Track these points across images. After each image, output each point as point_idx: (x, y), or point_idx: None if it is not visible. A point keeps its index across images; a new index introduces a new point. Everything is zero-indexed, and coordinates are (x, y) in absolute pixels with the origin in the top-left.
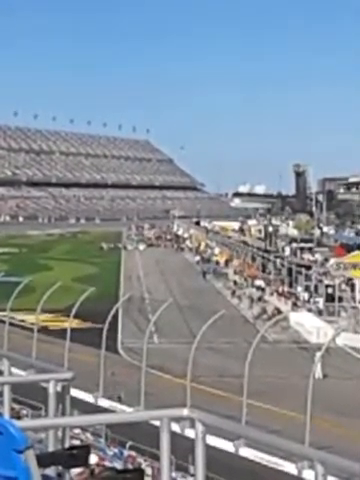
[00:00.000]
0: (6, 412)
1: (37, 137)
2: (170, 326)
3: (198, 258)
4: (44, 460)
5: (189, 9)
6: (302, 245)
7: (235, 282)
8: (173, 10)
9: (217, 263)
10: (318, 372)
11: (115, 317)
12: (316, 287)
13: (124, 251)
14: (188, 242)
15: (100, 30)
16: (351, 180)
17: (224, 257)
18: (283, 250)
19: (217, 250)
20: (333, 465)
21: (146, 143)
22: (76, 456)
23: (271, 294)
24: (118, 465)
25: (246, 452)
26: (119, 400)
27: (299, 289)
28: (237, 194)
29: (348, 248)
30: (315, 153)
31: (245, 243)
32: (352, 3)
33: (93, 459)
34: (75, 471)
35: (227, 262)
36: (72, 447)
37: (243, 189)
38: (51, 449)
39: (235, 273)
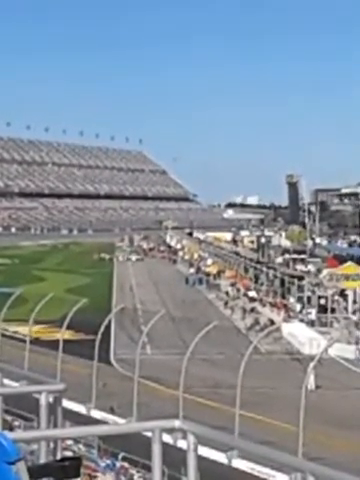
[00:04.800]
0: None
1: (30, 148)
2: (163, 337)
3: (193, 270)
4: (36, 472)
5: (183, 21)
6: (295, 256)
7: (227, 293)
8: (167, 22)
9: (208, 274)
10: (311, 383)
11: (108, 328)
12: (309, 298)
13: (117, 262)
14: (181, 253)
15: (93, 41)
16: (344, 191)
17: (216, 268)
18: (274, 261)
19: (210, 261)
20: (325, 476)
21: (139, 154)
22: (68, 468)
23: (264, 305)
24: (110, 477)
25: (239, 463)
26: (112, 411)
27: (292, 300)
28: (230, 205)
29: (341, 259)
30: (308, 164)
31: (238, 254)
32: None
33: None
34: None
35: (219, 273)
36: (64, 458)
37: (236, 200)
38: (43, 461)
39: (231, 285)
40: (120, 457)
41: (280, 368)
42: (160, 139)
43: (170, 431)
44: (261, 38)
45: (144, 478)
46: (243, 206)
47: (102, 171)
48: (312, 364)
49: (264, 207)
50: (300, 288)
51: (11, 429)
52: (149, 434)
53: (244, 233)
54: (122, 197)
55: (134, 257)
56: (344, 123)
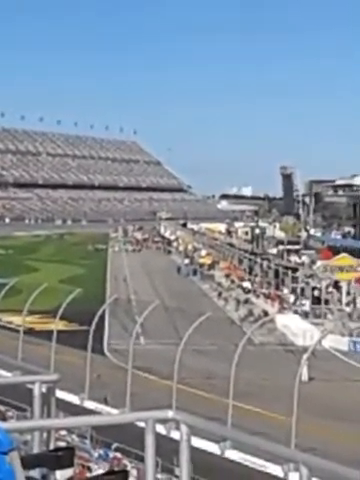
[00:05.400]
0: None
1: (24, 138)
2: (157, 328)
3: (187, 261)
4: (29, 462)
5: (179, 14)
6: (289, 247)
7: (219, 284)
8: (163, 15)
9: (202, 265)
10: (304, 374)
11: (101, 318)
12: (302, 289)
13: (111, 253)
14: (175, 244)
15: (88, 32)
16: (338, 182)
17: (210, 259)
18: (267, 252)
19: (203, 252)
20: (317, 467)
21: (133, 144)
22: (61, 458)
23: (257, 296)
24: (103, 467)
25: (232, 454)
26: (105, 402)
27: (286, 291)
28: (224, 196)
29: (335, 250)
30: (302, 155)
31: (232, 245)
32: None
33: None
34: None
35: (213, 264)
36: (57, 449)
37: (230, 191)
38: (36, 451)
39: (225, 276)
40: (113, 447)
41: (274, 359)
42: (155, 130)
43: (163, 422)
44: (255, 33)
45: (137, 468)
46: (237, 197)
47: (96, 161)
48: (306, 355)
49: (258, 198)
50: (294, 279)
51: (4, 419)
52: (142, 424)
53: (238, 224)
54: (116, 188)
55: (129, 248)
56: (338, 115)
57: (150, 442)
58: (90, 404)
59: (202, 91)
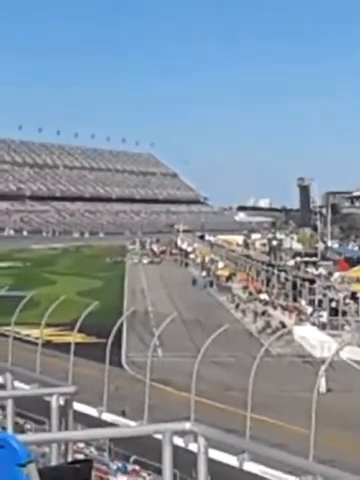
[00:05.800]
0: (10, 426)
1: (41, 151)
2: (174, 340)
3: (204, 273)
4: (47, 474)
5: (188, 23)
6: (306, 259)
7: (235, 295)
8: (173, 23)
9: (219, 277)
10: (322, 386)
11: (119, 331)
12: (320, 301)
13: (128, 265)
14: (192, 256)
15: (102, 44)
16: (355, 194)
17: (227, 271)
18: (286, 264)
19: (221, 264)
20: (335, 479)
21: (150, 157)
22: (79, 470)
23: (275, 308)
24: (122, 479)
25: (250, 466)
26: (123, 414)
27: (303, 303)
28: (241, 208)
29: (352, 262)
30: (319, 167)
31: (249, 257)
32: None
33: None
34: None
35: (231, 276)
36: (75, 461)
37: (247, 203)
38: (54, 463)
39: (243, 288)
40: (131, 460)
41: (291, 371)
42: (171, 142)
43: (181, 434)
44: (271, 38)
45: None
46: (254, 209)
47: (113, 174)
48: (323, 367)
49: (275, 210)
50: (311, 291)
51: (23, 432)
52: (160, 437)
53: (255, 236)
54: (133, 200)
55: (145, 260)
56: (355, 126)
57: (168, 454)
58: (108, 416)
59: (219, 103)
